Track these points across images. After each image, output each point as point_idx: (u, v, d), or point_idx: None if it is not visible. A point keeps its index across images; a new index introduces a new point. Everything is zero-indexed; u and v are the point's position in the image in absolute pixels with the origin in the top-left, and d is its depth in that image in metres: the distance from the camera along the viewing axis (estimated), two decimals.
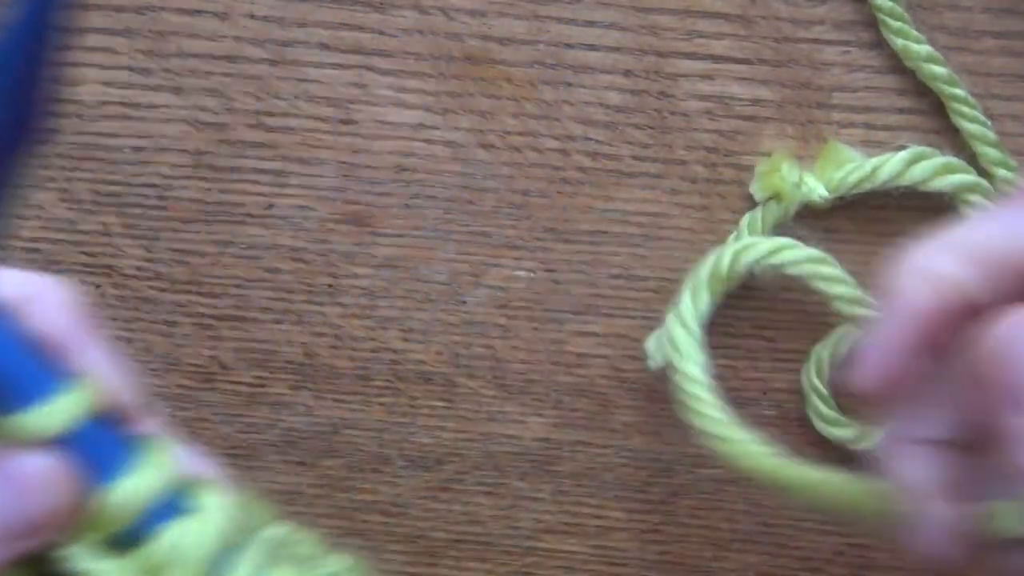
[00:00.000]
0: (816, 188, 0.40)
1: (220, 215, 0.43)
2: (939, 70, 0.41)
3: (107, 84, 0.42)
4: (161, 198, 0.43)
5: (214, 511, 0.28)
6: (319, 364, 0.44)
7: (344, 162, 0.43)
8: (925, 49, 0.40)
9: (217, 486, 0.29)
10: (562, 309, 0.44)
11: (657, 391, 0.44)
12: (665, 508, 0.44)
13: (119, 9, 0.42)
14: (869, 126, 0.42)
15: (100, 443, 0.28)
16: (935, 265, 0.27)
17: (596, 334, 0.44)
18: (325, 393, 0.44)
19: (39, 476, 0.27)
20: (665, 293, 0.43)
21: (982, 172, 0.41)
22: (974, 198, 0.41)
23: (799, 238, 0.41)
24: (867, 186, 0.41)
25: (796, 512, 0.44)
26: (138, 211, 0.43)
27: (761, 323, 0.43)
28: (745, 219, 0.42)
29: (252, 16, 0.42)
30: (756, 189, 0.41)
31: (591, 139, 0.42)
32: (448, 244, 0.43)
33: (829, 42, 0.41)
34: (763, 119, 0.42)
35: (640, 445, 0.43)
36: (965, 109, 0.41)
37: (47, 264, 0.44)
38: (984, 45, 0.41)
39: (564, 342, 0.44)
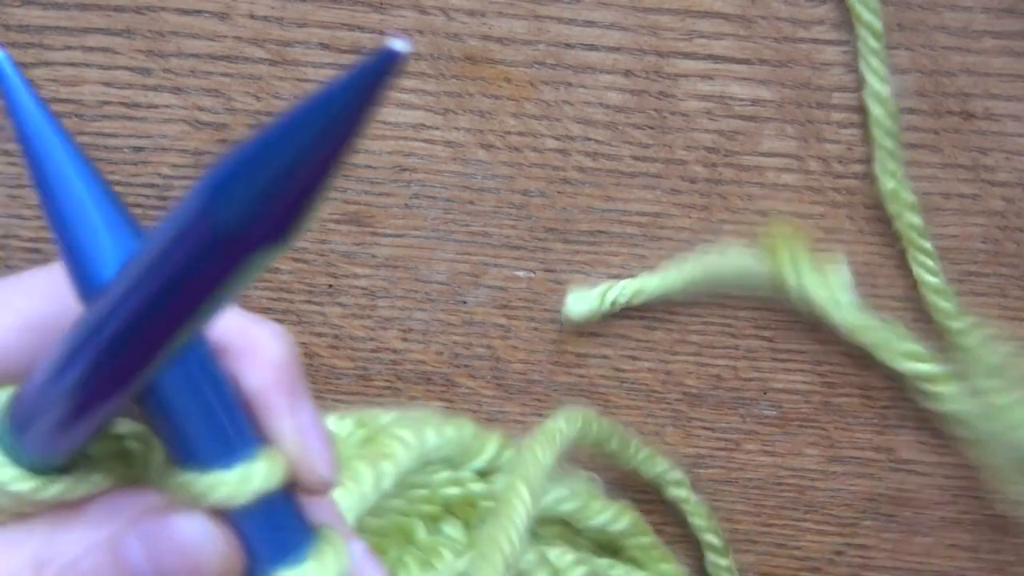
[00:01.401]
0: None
1: None
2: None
3: (107, 84, 0.42)
4: (161, 198, 0.43)
5: None
6: (319, 364, 0.44)
7: (344, 162, 0.43)
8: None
9: None
10: (562, 309, 0.44)
11: (657, 391, 0.44)
12: (665, 508, 0.44)
13: (119, 9, 0.42)
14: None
15: (278, 523, 0.25)
16: None
17: (596, 334, 0.44)
18: (325, 393, 0.44)
19: (197, 545, 0.25)
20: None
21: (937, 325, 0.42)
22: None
23: None
24: None
25: (796, 512, 0.44)
26: (138, 211, 0.43)
27: (761, 323, 0.43)
28: None
29: (252, 16, 0.42)
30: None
31: (591, 139, 0.42)
32: (448, 244, 0.43)
33: (829, 42, 0.41)
34: (763, 119, 0.42)
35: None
36: (928, 262, 0.41)
37: (47, 264, 0.44)
38: (984, 45, 0.41)
39: (564, 342, 0.44)
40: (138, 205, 0.43)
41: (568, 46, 0.42)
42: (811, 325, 0.43)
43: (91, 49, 0.42)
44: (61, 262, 0.24)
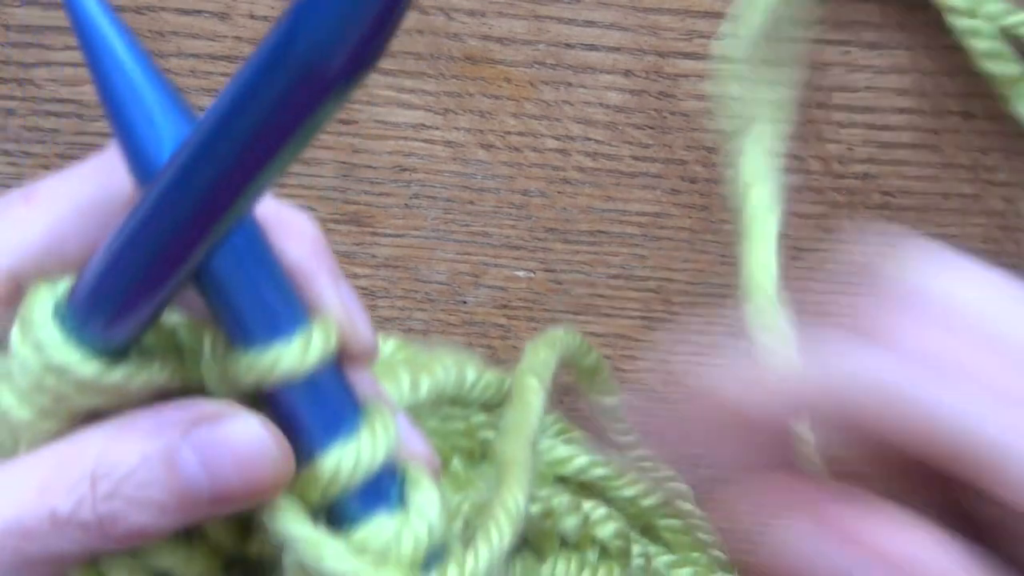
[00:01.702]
0: None
1: None
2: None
3: None
4: None
5: (429, 506, 0.26)
6: None
7: (344, 162, 0.43)
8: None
9: (427, 476, 0.27)
10: (562, 309, 0.44)
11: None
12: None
13: (119, 9, 0.41)
14: (869, 126, 0.42)
15: (329, 396, 0.25)
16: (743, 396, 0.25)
17: (596, 334, 0.44)
18: None
19: (250, 448, 0.25)
20: (665, 293, 0.43)
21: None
22: None
23: None
24: None
25: None
26: None
27: None
28: None
29: (252, 16, 0.42)
30: None
31: (591, 139, 0.42)
32: (448, 244, 0.43)
33: (829, 42, 0.41)
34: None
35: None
36: None
37: None
38: None
39: None
40: None
41: (568, 46, 0.42)
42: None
43: None
44: (117, 147, 0.24)
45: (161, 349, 0.26)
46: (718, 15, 0.41)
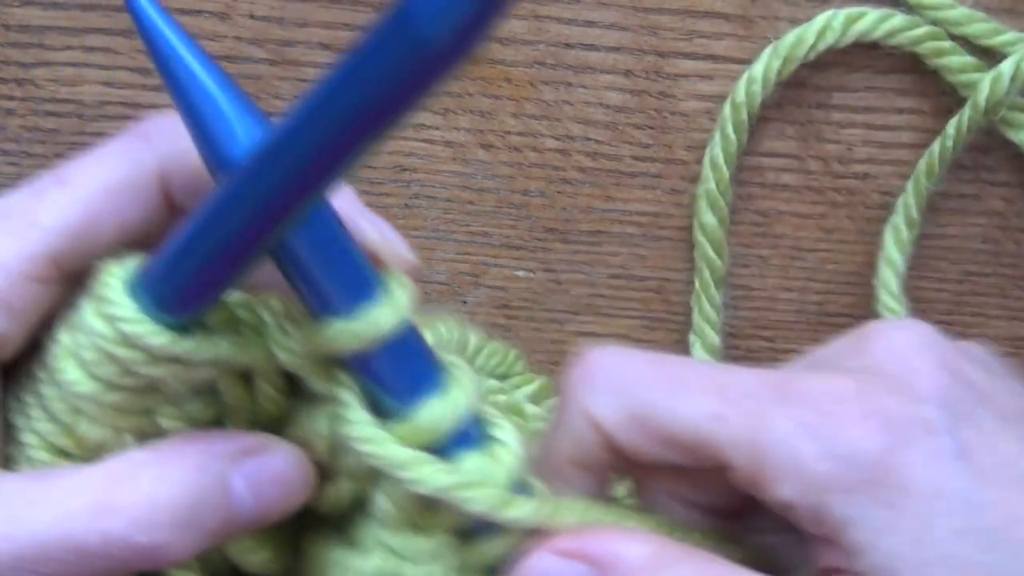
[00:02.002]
0: None
1: None
2: None
3: (107, 84, 0.42)
4: None
5: (512, 441, 0.29)
6: None
7: None
8: None
9: (503, 416, 0.29)
10: (562, 309, 0.44)
11: None
12: None
13: (119, 9, 0.42)
14: (869, 126, 0.42)
15: (415, 350, 0.27)
16: (599, 408, 0.30)
17: (596, 334, 0.44)
18: None
19: (289, 474, 0.28)
20: (665, 293, 0.43)
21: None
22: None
23: None
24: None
25: None
26: None
27: (761, 323, 0.43)
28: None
29: (252, 16, 0.42)
30: None
31: (591, 139, 0.42)
32: (448, 244, 0.43)
33: None
34: (763, 119, 0.42)
35: None
36: None
37: None
38: None
39: (564, 342, 0.44)
40: None
41: (568, 46, 0.42)
42: (811, 325, 0.43)
43: (91, 49, 0.42)
44: (194, 141, 0.26)
45: (221, 325, 0.28)
46: (718, 15, 0.41)
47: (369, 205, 0.43)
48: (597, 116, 0.42)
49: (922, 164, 0.41)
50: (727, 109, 0.41)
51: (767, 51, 0.41)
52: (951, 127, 0.40)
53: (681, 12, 0.41)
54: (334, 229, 0.26)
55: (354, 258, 0.26)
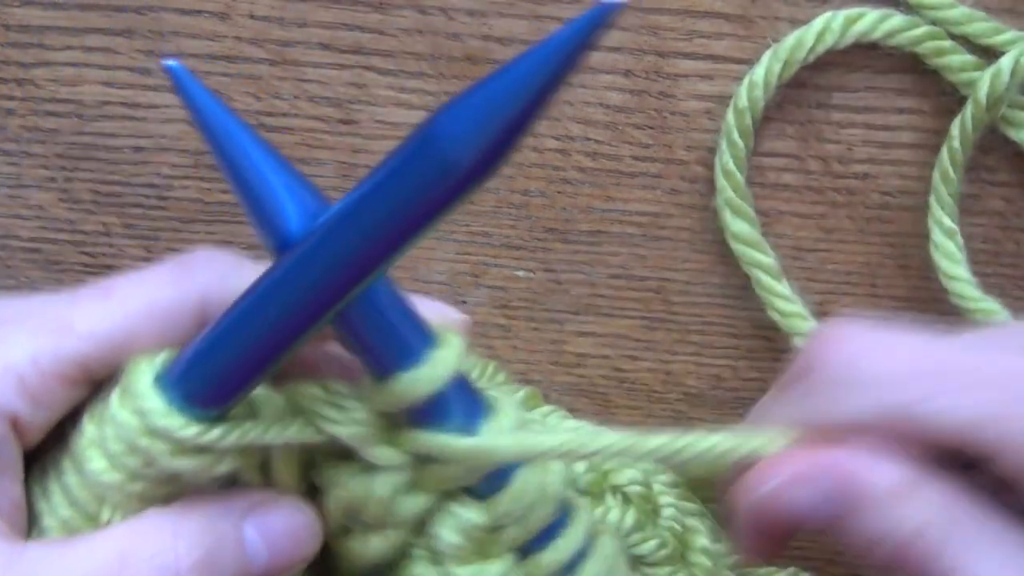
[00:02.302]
0: None
1: (220, 215, 0.43)
2: None
3: (107, 84, 0.42)
4: (161, 198, 0.43)
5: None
6: None
7: (344, 162, 0.43)
8: None
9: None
10: (562, 309, 0.44)
11: (657, 391, 0.44)
12: None
13: (119, 9, 0.42)
14: (869, 126, 0.42)
15: (465, 394, 0.29)
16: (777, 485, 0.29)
17: (596, 334, 0.44)
18: None
19: (299, 525, 0.30)
20: (665, 293, 0.43)
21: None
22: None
23: None
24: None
25: None
26: (138, 211, 0.43)
27: (761, 323, 0.43)
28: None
29: (252, 16, 0.42)
30: None
31: (591, 139, 0.42)
32: (448, 244, 0.43)
33: None
34: (763, 119, 0.42)
35: None
36: None
37: (47, 264, 0.44)
38: None
39: (564, 342, 0.44)
40: (138, 205, 0.43)
41: None
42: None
43: (91, 49, 0.42)
44: (253, 225, 0.28)
45: (240, 412, 0.29)
46: (718, 15, 0.41)
47: None
48: (597, 116, 0.42)
49: (937, 174, 0.41)
50: (730, 115, 0.41)
51: (767, 54, 0.41)
52: (955, 128, 0.40)
53: (681, 12, 0.41)
54: (391, 293, 0.28)
55: (413, 315, 0.28)
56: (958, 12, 0.40)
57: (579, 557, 0.31)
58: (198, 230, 0.43)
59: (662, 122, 0.42)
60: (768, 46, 0.41)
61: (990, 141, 0.42)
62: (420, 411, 0.29)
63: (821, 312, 0.43)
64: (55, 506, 0.30)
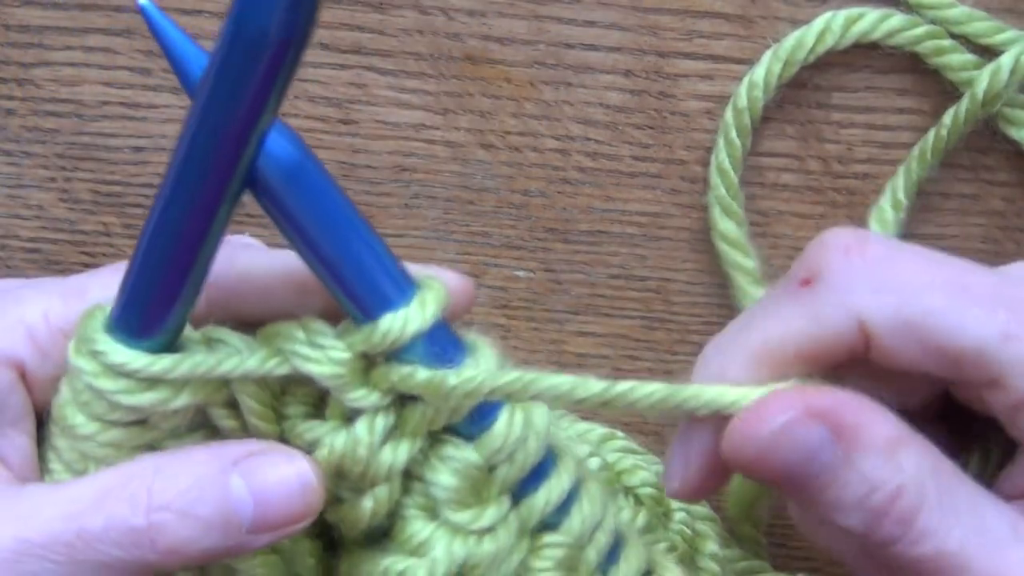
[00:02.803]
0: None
1: None
2: None
3: (107, 84, 0.42)
4: None
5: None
6: None
7: (344, 162, 0.43)
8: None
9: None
10: (562, 309, 0.44)
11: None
12: None
13: (119, 9, 0.42)
14: (869, 126, 0.42)
15: (445, 337, 0.30)
16: (720, 369, 0.29)
17: (596, 334, 0.44)
18: None
19: (296, 482, 0.29)
20: (665, 293, 0.43)
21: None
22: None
23: None
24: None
25: None
26: (138, 211, 0.43)
27: None
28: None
29: None
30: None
31: (591, 139, 0.42)
32: (448, 244, 0.43)
33: None
34: (763, 119, 0.42)
35: (640, 445, 0.43)
36: None
37: (47, 264, 0.44)
38: None
39: (564, 342, 0.44)
40: (138, 205, 0.43)
41: (568, 46, 0.42)
42: None
43: (91, 49, 0.42)
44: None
45: (193, 344, 0.30)
46: (718, 15, 0.41)
47: (369, 205, 0.43)
48: (597, 116, 0.42)
49: (915, 150, 0.41)
50: (729, 114, 0.41)
51: (767, 54, 0.41)
52: (947, 117, 0.40)
53: (681, 12, 0.41)
54: (373, 239, 0.30)
55: (395, 261, 0.30)
56: (958, 11, 0.40)
57: (569, 500, 0.32)
58: None
59: (662, 122, 0.42)
60: (768, 46, 0.41)
61: (990, 141, 0.42)
62: (402, 353, 0.29)
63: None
64: (53, 472, 0.31)
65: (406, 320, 0.29)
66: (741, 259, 0.42)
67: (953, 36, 0.41)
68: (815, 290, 0.29)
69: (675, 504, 0.39)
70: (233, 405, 0.31)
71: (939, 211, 0.42)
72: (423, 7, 0.42)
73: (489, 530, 0.30)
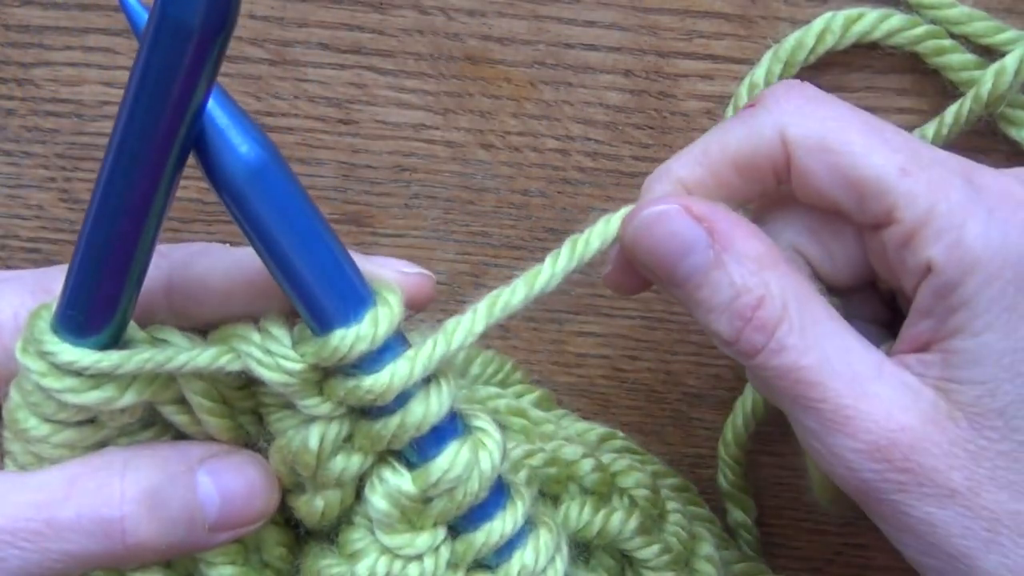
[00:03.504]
0: None
1: (220, 215, 0.43)
2: None
3: (107, 84, 0.42)
4: None
5: (491, 433, 0.32)
6: None
7: (344, 162, 0.43)
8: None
9: (482, 414, 0.32)
10: (562, 309, 0.44)
11: (657, 391, 0.44)
12: None
13: (119, 9, 0.42)
14: None
15: (400, 348, 0.30)
16: (669, 170, 0.33)
17: (596, 334, 0.44)
18: None
19: (257, 480, 0.31)
20: (665, 293, 0.43)
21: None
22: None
23: None
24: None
25: (796, 512, 0.44)
26: None
27: None
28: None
29: (252, 16, 0.42)
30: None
31: (591, 139, 0.42)
32: (448, 244, 0.43)
33: None
34: None
35: (640, 445, 0.43)
36: None
37: (47, 264, 0.44)
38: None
39: (564, 342, 0.44)
40: None
41: (568, 46, 0.42)
42: None
43: (91, 49, 0.42)
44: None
45: (141, 341, 0.30)
46: (718, 15, 0.41)
47: (369, 205, 0.43)
48: (597, 116, 0.42)
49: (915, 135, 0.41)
50: (730, 114, 0.41)
51: (767, 55, 0.41)
52: (949, 115, 0.40)
53: (681, 12, 0.41)
54: (332, 250, 0.29)
55: (353, 272, 0.30)
56: (958, 11, 0.40)
57: (512, 545, 0.32)
58: (198, 230, 0.43)
59: (662, 122, 0.42)
60: (768, 46, 0.41)
61: (990, 142, 0.42)
62: (356, 367, 0.30)
63: None
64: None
65: (356, 338, 0.29)
66: None
67: (953, 36, 0.41)
68: (755, 111, 0.33)
69: (671, 506, 0.39)
70: (183, 401, 0.31)
71: None
72: (423, 7, 0.42)
73: (416, 557, 0.31)
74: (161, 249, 0.31)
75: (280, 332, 0.30)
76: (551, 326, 0.44)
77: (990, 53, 0.41)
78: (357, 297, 0.29)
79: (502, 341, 0.44)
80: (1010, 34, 0.40)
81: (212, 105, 0.28)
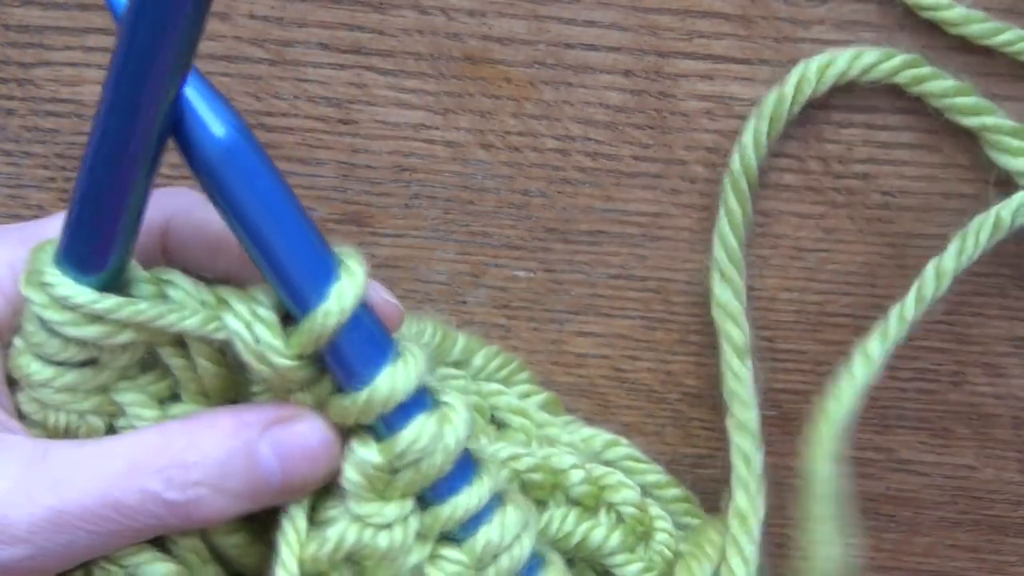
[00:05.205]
0: None
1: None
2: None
3: None
4: None
5: (459, 409, 0.32)
6: None
7: (344, 162, 0.43)
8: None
9: (452, 388, 0.33)
10: (562, 309, 0.44)
11: (657, 391, 0.44)
12: None
13: None
14: (869, 126, 0.42)
15: (370, 331, 0.31)
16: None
17: (596, 334, 0.44)
18: None
19: (318, 445, 0.31)
20: (665, 293, 0.43)
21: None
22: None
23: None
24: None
25: (796, 512, 0.44)
26: None
27: (761, 323, 0.43)
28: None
29: (252, 16, 0.42)
30: None
31: (591, 139, 0.42)
32: (448, 244, 0.43)
33: (829, 42, 0.41)
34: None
35: (640, 445, 0.43)
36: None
37: None
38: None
39: (564, 342, 0.44)
40: None
41: (568, 46, 0.42)
42: (811, 325, 0.43)
43: (91, 49, 0.42)
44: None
45: (148, 296, 0.31)
46: (718, 15, 0.41)
47: (369, 205, 0.43)
48: (597, 116, 0.42)
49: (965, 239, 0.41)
50: (726, 182, 0.41)
51: (750, 121, 0.41)
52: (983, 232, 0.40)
53: (681, 12, 0.41)
54: (298, 229, 0.30)
55: (318, 248, 0.30)
56: (957, 12, 0.40)
57: (479, 519, 0.33)
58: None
59: (662, 122, 0.42)
60: (768, 46, 0.41)
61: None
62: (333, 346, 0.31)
63: (821, 312, 0.43)
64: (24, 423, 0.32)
65: (325, 318, 0.30)
66: (733, 330, 0.42)
67: (952, 37, 0.41)
68: None
69: (657, 524, 0.39)
70: (181, 344, 0.32)
71: (939, 211, 0.42)
72: (423, 7, 0.42)
73: (386, 526, 0.32)
74: (167, 190, 0.32)
75: (269, 316, 0.31)
76: (551, 326, 0.44)
77: (990, 55, 0.41)
78: (320, 276, 0.30)
79: (502, 341, 0.44)
80: (1009, 35, 0.40)
81: (187, 87, 0.29)
